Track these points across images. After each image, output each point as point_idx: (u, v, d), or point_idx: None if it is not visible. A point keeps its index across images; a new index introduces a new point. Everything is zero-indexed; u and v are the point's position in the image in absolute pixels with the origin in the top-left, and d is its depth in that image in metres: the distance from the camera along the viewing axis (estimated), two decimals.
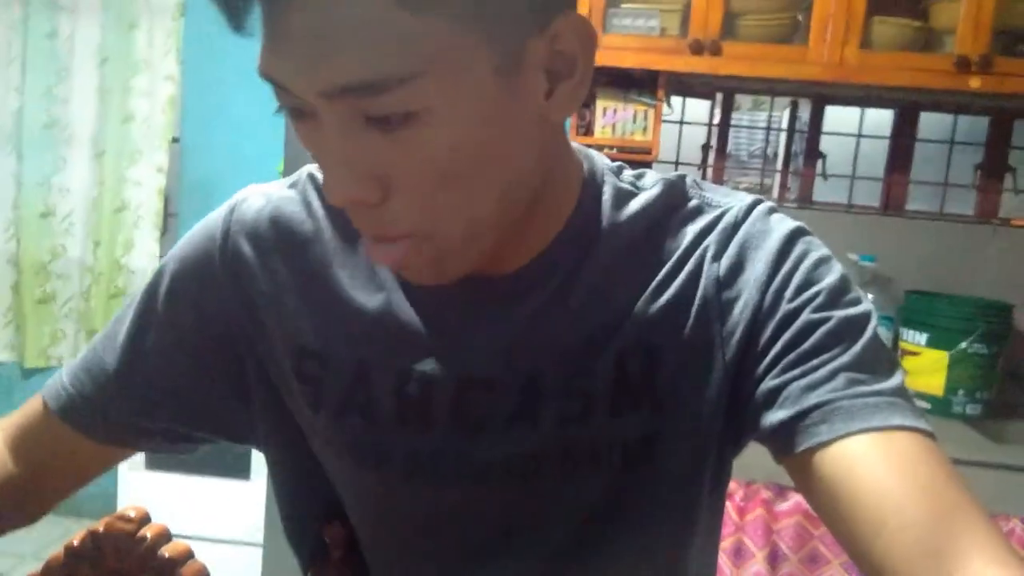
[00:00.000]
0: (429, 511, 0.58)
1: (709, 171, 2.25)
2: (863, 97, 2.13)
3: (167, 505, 2.23)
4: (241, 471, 2.19)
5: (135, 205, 2.54)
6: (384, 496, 0.58)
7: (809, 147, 2.21)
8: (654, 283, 0.55)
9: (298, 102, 0.45)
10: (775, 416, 0.52)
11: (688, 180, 0.59)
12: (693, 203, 0.58)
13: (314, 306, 0.58)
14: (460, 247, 0.49)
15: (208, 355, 0.60)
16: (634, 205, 0.57)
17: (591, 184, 0.56)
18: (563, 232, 0.55)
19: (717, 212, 0.57)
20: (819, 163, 2.18)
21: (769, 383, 0.53)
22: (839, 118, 2.20)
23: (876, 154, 2.20)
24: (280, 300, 0.58)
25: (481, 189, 0.47)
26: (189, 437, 0.64)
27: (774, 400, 0.52)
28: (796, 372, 0.52)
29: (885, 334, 2.00)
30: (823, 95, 2.16)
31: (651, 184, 0.58)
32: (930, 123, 2.17)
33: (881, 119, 2.21)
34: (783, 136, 2.30)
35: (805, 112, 2.23)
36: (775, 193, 2.31)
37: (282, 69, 0.44)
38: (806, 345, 0.52)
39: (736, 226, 0.56)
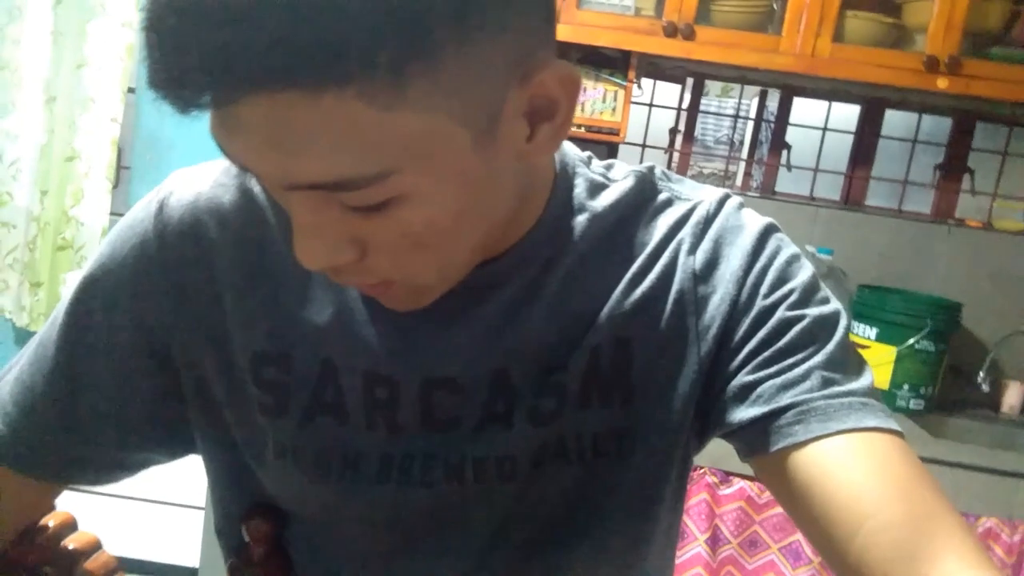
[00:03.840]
0: (396, 514, 0.56)
1: (675, 155, 2.25)
2: (831, 91, 2.14)
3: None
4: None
5: (86, 155, 2.46)
6: (348, 502, 0.55)
7: (775, 137, 2.22)
8: (628, 276, 0.55)
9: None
10: (747, 413, 0.52)
11: (657, 172, 0.58)
12: (663, 196, 0.57)
13: (269, 307, 0.54)
14: (437, 285, 0.49)
15: (149, 372, 0.56)
16: (607, 197, 0.56)
17: (563, 176, 0.55)
18: (535, 227, 0.53)
19: (688, 205, 0.57)
20: (784, 154, 2.20)
21: (742, 379, 0.53)
22: (806, 110, 2.21)
23: (840, 148, 2.22)
24: (231, 303, 0.54)
25: (459, 244, 0.46)
26: (129, 464, 0.61)
27: (746, 397, 0.52)
28: (771, 370, 0.52)
29: None
30: (792, 86, 2.17)
31: (622, 176, 0.57)
32: (894, 121, 2.20)
33: (847, 114, 2.22)
34: (750, 125, 2.31)
35: (773, 102, 2.23)
36: (739, 181, 2.32)
37: (239, 152, 0.40)
38: (781, 343, 0.52)
39: (709, 220, 0.56)
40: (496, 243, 0.52)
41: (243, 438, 0.57)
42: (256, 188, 0.55)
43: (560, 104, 0.44)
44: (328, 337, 0.53)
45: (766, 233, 0.55)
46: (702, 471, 1.66)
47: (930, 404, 1.94)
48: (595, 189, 0.56)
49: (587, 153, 0.58)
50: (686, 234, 0.55)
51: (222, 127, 0.39)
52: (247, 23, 0.34)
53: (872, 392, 0.52)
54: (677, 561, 1.68)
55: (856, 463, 0.49)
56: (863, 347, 1.94)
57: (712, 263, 0.54)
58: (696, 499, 1.67)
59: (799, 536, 1.66)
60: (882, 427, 0.50)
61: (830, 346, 0.52)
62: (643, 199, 0.56)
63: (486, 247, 0.50)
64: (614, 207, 0.55)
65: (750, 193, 2.23)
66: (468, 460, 0.54)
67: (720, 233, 0.55)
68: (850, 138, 2.21)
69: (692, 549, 1.67)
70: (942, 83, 1.79)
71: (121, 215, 0.57)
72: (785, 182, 2.24)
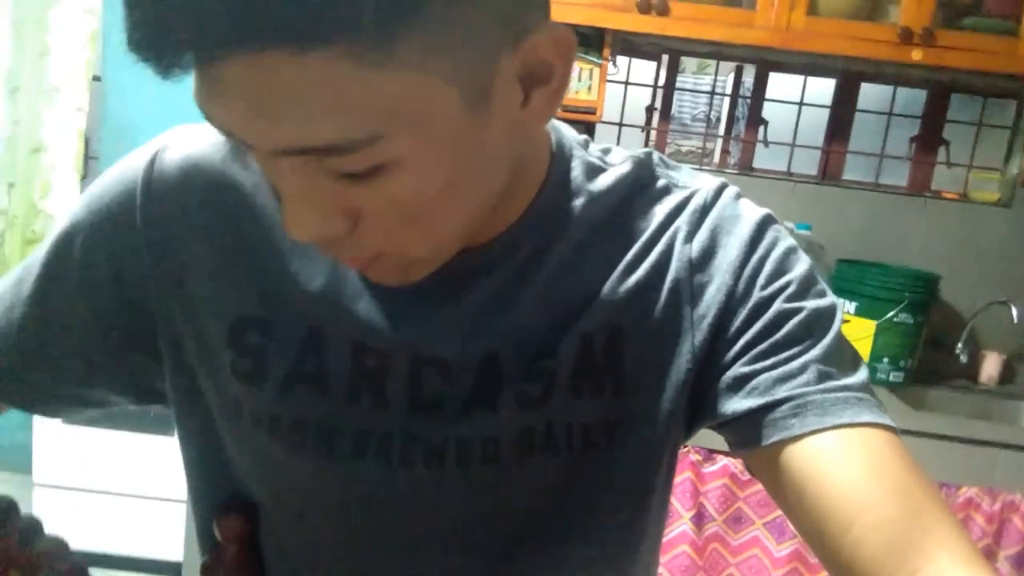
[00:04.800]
0: (373, 496, 0.54)
1: (652, 134, 2.24)
2: (806, 65, 2.13)
3: (86, 461, 2.16)
4: (164, 427, 2.13)
5: (53, 146, 2.40)
6: (324, 479, 0.54)
7: (752, 114, 2.21)
8: (623, 263, 0.54)
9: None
10: (742, 404, 0.52)
11: (655, 158, 0.57)
12: (661, 182, 0.56)
13: (254, 272, 0.53)
14: (429, 259, 0.48)
15: (120, 317, 0.56)
16: (604, 181, 0.55)
17: (559, 158, 0.54)
18: (531, 208, 0.52)
19: (686, 193, 0.56)
20: (761, 130, 2.19)
21: (737, 370, 0.52)
22: (782, 86, 2.21)
23: (816, 123, 2.22)
24: (213, 266, 0.53)
25: (452, 215, 0.45)
26: (91, 399, 0.60)
27: (741, 388, 0.52)
28: (767, 362, 0.51)
29: None
30: (767, 61, 2.16)
31: (620, 160, 0.56)
32: (869, 94, 2.19)
33: (822, 89, 2.22)
34: (726, 101, 2.30)
35: (749, 78, 2.22)
36: (716, 158, 2.31)
37: (224, 117, 0.39)
38: (778, 336, 0.52)
39: (706, 209, 0.55)
40: (489, 223, 0.51)
41: (217, 405, 0.56)
42: (253, 157, 0.54)
43: (555, 68, 0.43)
44: (318, 305, 0.52)
45: (764, 224, 0.55)
46: (685, 450, 1.66)
47: (910, 376, 1.95)
48: (592, 172, 0.55)
49: (583, 136, 0.57)
50: (683, 222, 0.54)
51: (205, 91, 0.38)
52: None
53: (868, 387, 0.52)
54: (663, 540, 1.69)
55: (850, 458, 0.48)
56: (843, 322, 1.94)
57: (709, 252, 0.54)
58: (680, 477, 1.67)
59: None
60: (877, 423, 0.50)
61: (827, 340, 0.52)
62: (640, 185, 0.56)
63: (478, 225, 0.49)
64: (611, 192, 0.54)
65: (728, 170, 2.23)
66: (451, 442, 0.53)
67: (717, 222, 0.54)
68: (826, 112, 2.21)
69: (678, 527, 1.68)
70: (917, 55, 1.79)
71: None
72: (762, 158, 2.24)
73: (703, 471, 1.67)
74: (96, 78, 2.41)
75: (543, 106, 0.44)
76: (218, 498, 0.59)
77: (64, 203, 2.43)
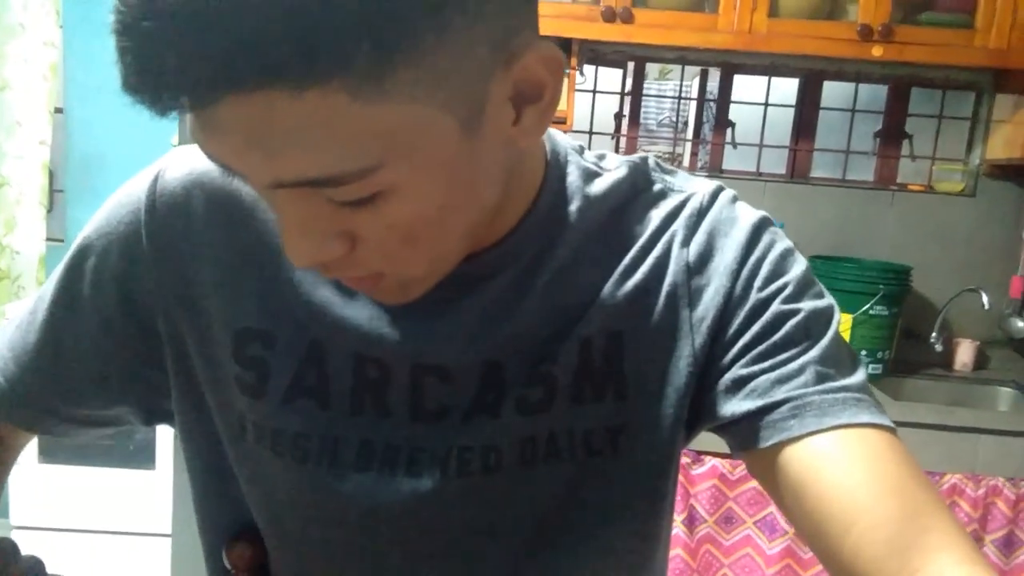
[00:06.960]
0: (376, 509, 0.54)
1: (622, 140, 2.25)
2: (770, 66, 2.17)
3: (64, 499, 2.11)
4: (145, 460, 2.09)
5: (16, 181, 2.36)
6: (326, 493, 0.54)
7: (719, 116, 2.24)
8: (620, 267, 0.54)
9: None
10: (740, 406, 0.51)
11: (651, 162, 0.58)
12: (657, 187, 0.57)
13: (257, 284, 0.53)
14: (427, 278, 0.48)
15: (132, 338, 0.56)
16: (600, 187, 0.55)
17: (555, 165, 0.54)
18: (528, 215, 0.52)
19: (681, 197, 0.56)
20: (728, 132, 2.21)
21: (736, 372, 0.52)
22: (747, 87, 2.24)
23: (782, 123, 2.25)
24: (219, 279, 0.54)
25: (449, 234, 0.46)
26: (105, 421, 0.61)
27: (739, 390, 0.52)
28: (765, 364, 0.51)
29: None
30: (732, 64, 2.19)
31: (615, 165, 0.56)
32: (832, 92, 2.23)
33: (786, 89, 2.25)
34: (692, 105, 2.32)
35: (714, 82, 2.25)
36: (686, 162, 2.33)
37: (220, 152, 0.39)
38: (776, 337, 0.52)
39: (702, 212, 0.55)
40: (486, 233, 0.51)
41: (223, 422, 0.56)
42: None
43: (546, 86, 0.43)
44: (321, 317, 0.53)
45: (760, 226, 0.55)
46: None
47: (887, 368, 1.98)
48: (588, 178, 0.55)
49: (578, 143, 0.57)
50: (679, 226, 0.55)
51: (201, 129, 0.38)
52: (223, 24, 0.33)
53: (866, 388, 0.52)
54: None
55: (850, 459, 0.48)
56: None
57: (706, 255, 0.54)
58: None
59: (773, 508, 1.68)
60: (876, 423, 0.50)
61: (824, 341, 0.52)
62: (636, 190, 0.56)
63: (475, 237, 0.49)
64: (607, 197, 0.54)
65: (698, 173, 2.25)
66: (454, 450, 0.53)
67: (714, 225, 0.55)
68: (791, 112, 2.24)
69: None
70: (877, 51, 1.82)
71: (59, 241, 0.56)
72: (731, 159, 2.26)
73: (692, 473, 1.68)
74: (58, 110, 2.38)
75: (534, 123, 0.45)
76: (225, 525, 0.59)
77: (30, 238, 2.39)
